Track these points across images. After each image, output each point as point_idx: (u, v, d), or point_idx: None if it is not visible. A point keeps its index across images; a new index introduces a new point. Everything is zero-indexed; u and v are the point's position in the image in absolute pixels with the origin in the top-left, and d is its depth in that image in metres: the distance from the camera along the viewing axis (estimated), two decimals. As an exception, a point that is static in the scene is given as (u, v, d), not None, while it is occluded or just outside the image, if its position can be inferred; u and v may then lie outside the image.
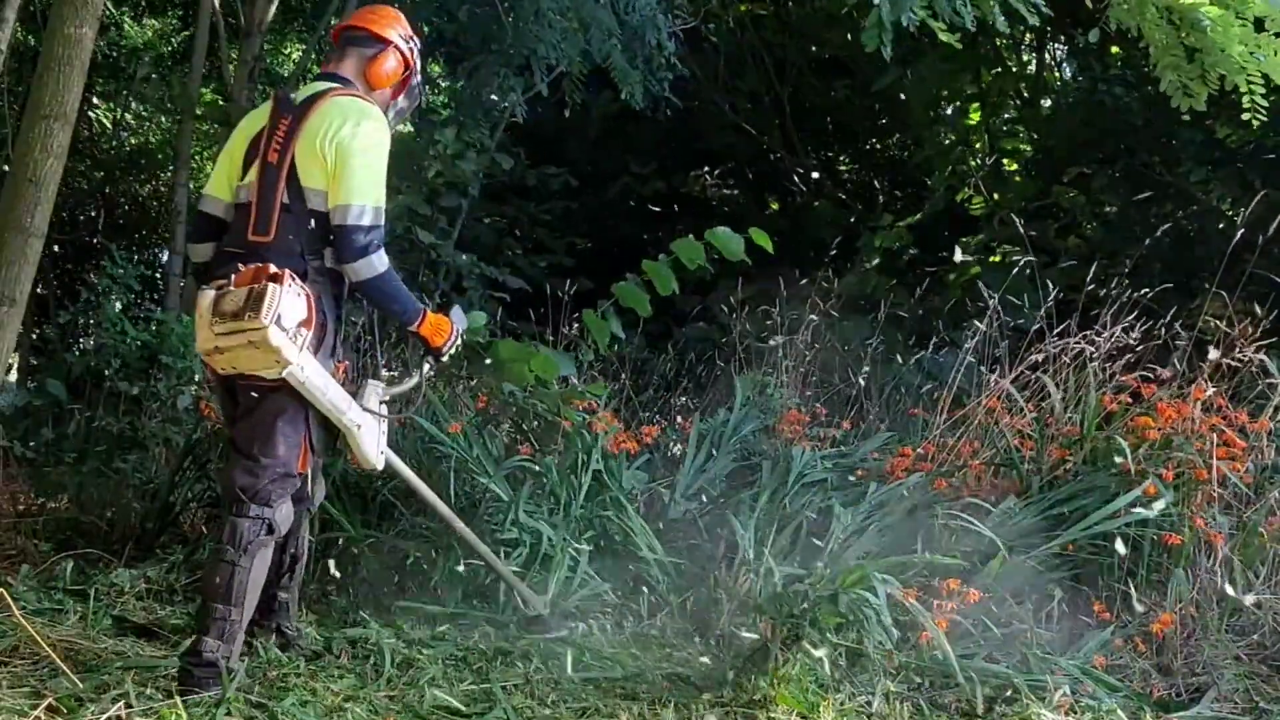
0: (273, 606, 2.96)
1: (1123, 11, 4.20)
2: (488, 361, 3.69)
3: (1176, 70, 4.29)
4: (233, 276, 2.56)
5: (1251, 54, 4.10)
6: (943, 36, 4.09)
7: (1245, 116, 4.43)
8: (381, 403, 2.91)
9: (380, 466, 2.92)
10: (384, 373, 3.19)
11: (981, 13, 4.29)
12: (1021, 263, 4.85)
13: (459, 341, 2.97)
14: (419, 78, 3.06)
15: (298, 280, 2.58)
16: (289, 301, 2.50)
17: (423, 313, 2.87)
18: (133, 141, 11.19)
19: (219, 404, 2.97)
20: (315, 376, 2.62)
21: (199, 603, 2.69)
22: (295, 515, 2.84)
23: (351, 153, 2.69)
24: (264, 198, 2.73)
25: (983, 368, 4.49)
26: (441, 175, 6.16)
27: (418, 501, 3.27)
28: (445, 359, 2.97)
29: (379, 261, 2.71)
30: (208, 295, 2.55)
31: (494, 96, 6.38)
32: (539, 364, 3.69)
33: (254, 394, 2.67)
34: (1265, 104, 4.38)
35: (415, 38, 3.03)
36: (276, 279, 2.51)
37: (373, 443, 2.84)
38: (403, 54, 2.96)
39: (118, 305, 4.49)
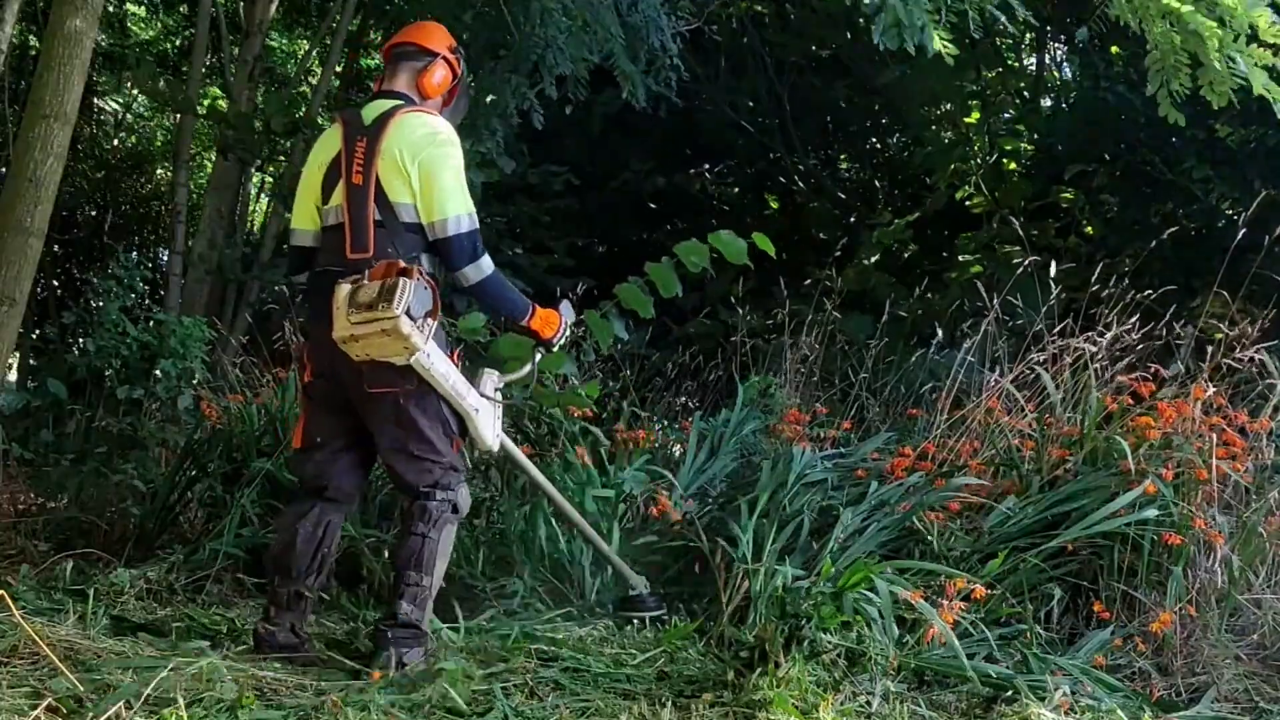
0: (294, 603, 2.99)
1: (1124, 8, 4.14)
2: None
3: (1177, 74, 4.20)
4: (367, 272, 2.76)
5: (1231, 62, 4.02)
6: (939, 46, 4.05)
7: None
8: (496, 389, 3.08)
9: (495, 448, 3.10)
10: None
11: (978, 8, 4.26)
12: (1024, 263, 4.84)
13: (567, 333, 3.20)
14: (466, 85, 3.24)
15: (425, 274, 2.76)
16: (418, 293, 2.69)
17: (531, 307, 3.09)
18: (133, 141, 11.19)
19: (320, 409, 3.04)
20: (440, 364, 2.82)
21: (393, 575, 2.92)
22: (333, 514, 3.02)
23: (435, 169, 2.89)
24: (356, 218, 2.89)
25: (984, 368, 4.50)
26: None
27: (530, 483, 3.47)
28: (555, 349, 3.19)
29: (486, 264, 2.94)
30: (344, 288, 2.73)
31: (508, 101, 6.34)
32: (541, 362, 3.69)
33: (394, 403, 2.85)
34: None
35: (460, 48, 3.19)
36: (407, 273, 2.70)
37: (489, 426, 3.03)
38: (450, 64, 3.11)
39: (117, 306, 4.48)
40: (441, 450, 2.91)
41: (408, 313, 2.65)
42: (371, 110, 2.99)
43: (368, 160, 2.89)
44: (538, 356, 3.22)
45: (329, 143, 3.04)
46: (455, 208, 2.88)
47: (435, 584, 2.90)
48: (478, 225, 2.93)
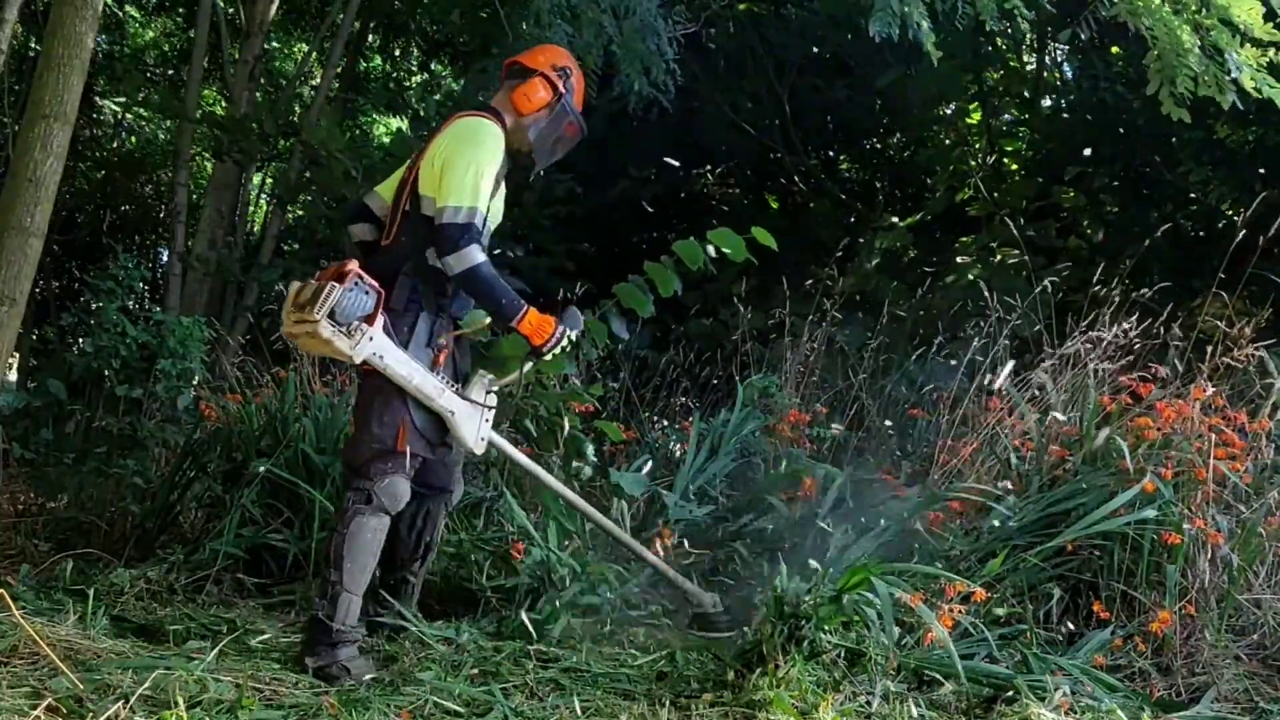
0: (400, 590, 3.19)
1: (1123, 7, 4.15)
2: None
3: (1178, 72, 4.21)
4: (319, 273, 2.86)
5: (1221, 63, 4.05)
6: (930, 47, 4.07)
7: None
8: (488, 393, 3.08)
9: (479, 451, 3.09)
10: None
11: (978, 10, 4.28)
12: (1030, 273, 4.83)
13: (565, 342, 3.06)
14: (568, 104, 3.21)
15: (366, 279, 2.80)
16: (349, 299, 2.73)
17: (523, 311, 2.98)
18: (133, 141, 11.19)
19: None
20: (396, 365, 2.86)
21: None
22: (431, 503, 3.15)
23: (452, 162, 2.94)
24: (394, 208, 3.08)
25: (985, 370, 4.50)
26: None
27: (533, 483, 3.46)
28: (548, 358, 3.06)
29: (470, 256, 2.88)
30: (294, 285, 2.84)
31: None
32: (541, 364, 3.69)
33: (359, 378, 2.99)
34: None
35: (571, 68, 3.23)
36: (341, 277, 2.75)
37: (470, 429, 3.03)
38: (551, 82, 3.16)
39: (115, 306, 4.48)
40: (376, 433, 2.92)
41: (330, 317, 2.71)
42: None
43: (417, 158, 3.06)
44: (527, 365, 3.14)
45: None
46: (456, 199, 2.90)
47: (351, 580, 2.86)
48: (475, 221, 2.90)
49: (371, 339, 2.80)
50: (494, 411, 3.10)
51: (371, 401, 2.94)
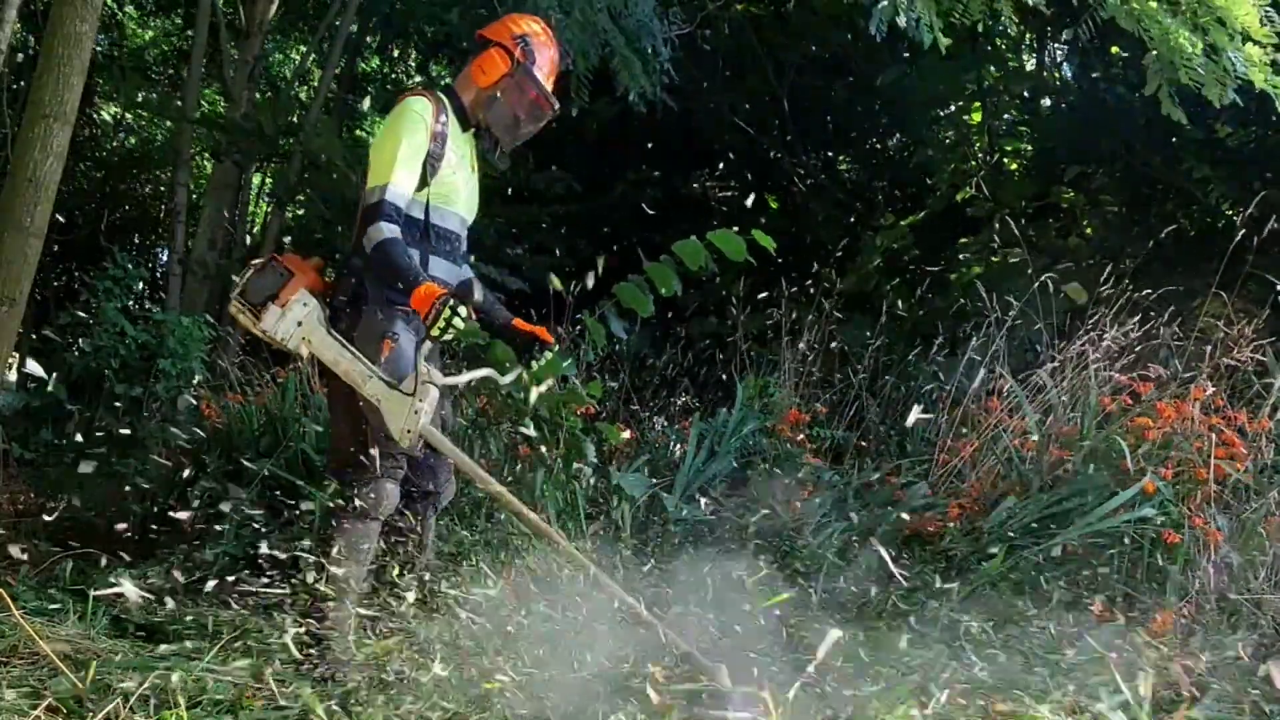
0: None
1: (1119, 10, 4.16)
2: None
3: (1178, 71, 4.21)
4: None
5: (1218, 60, 4.06)
6: (935, 36, 4.06)
7: None
8: (424, 383, 2.80)
9: (405, 444, 2.82)
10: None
11: (971, 12, 4.28)
12: (1024, 266, 4.83)
13: (447, 312, 2.73)
14: (528, 70, 3.00)
15: (282, 263, 2.88)
16: (258, 279, 2.86)
17: (415, 284, 2.77)
18: (132, 141, 11.20)
19: None
20: (323, 348, 2.82)
21: None
22: (417, 506, 3.06)
23: (374, 144, 2.97)
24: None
25: (986, 370, 4.50)
26: None
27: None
28: (436, 332, 2.76)
29: (375, 233, 2.82)
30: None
31: None
32: (539, 370, 3.68)
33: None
34: None
35: (531, 35, 3.03)
36: (256, 262, 2.90)
37: (396, 419, 2.78)
38: (508, 51, 3.00)
39: (114, 306, 4.48)
40: (343, 430, 2.88)
41: (238, 295, 2.86)
42: None
43: None
44: (426, 347, 2.83)
45: None
46: (371, 179, 2.87)
47: (339, 588, 2.79)
48: (387, 198, 2.82)
49: (300, 323, 2.80)
50: (430, 407, 2.81)
51: (333, 402, 2.94)
